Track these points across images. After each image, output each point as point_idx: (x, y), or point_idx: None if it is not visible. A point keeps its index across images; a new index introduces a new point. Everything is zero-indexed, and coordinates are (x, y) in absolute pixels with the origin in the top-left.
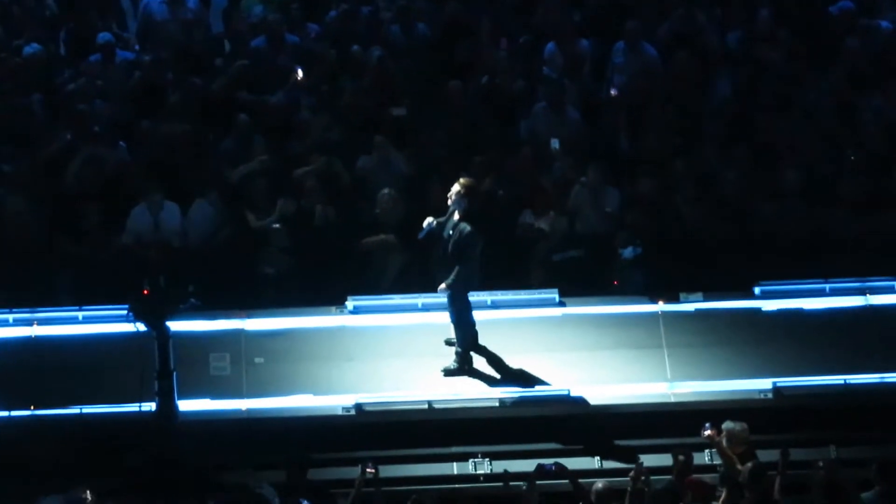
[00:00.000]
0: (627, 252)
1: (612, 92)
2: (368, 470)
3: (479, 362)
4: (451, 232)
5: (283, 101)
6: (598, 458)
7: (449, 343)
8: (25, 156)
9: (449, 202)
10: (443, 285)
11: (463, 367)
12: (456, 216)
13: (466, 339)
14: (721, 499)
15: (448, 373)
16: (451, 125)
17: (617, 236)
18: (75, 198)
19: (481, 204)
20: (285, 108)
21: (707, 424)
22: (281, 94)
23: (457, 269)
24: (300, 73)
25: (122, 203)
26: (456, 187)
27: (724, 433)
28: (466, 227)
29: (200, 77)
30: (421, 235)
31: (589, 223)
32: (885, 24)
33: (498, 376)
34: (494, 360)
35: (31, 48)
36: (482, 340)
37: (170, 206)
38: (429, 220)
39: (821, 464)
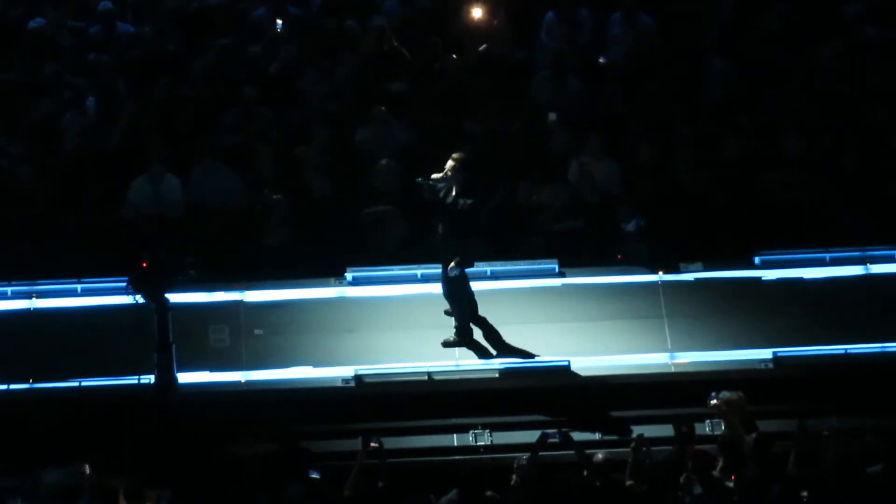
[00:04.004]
0: (631, 225)
1: (601, 60)
2: (373, 444)
3: (479, 333)
4: (451, 208)
5: (279, 69)
6: (599, 428)
7: (448, 314)
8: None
9: (445, 177)
10: (452, 264)
11: (462, 340)
12: (454, 191)
13: (463, 312)
14: (720, 467)
15: (447, 345)
16: (451, 95)
17: (619, 208)
18: (76, 170)
19: (477, 176)
20: (284, 79)
21: (713, 394)
22: (277, 63)
23: (465, 245)
24: (280, 25)
25: (122, 175)
26: (450, 163)
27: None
28: (467, 201)
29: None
30: (424, 194)
31: (589, 195)
32: None
33: (498, 347)
34: (494, 332)
35: (37, 22)
36: (482, 311)
37: (171, 178)
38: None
39: (825, 433)
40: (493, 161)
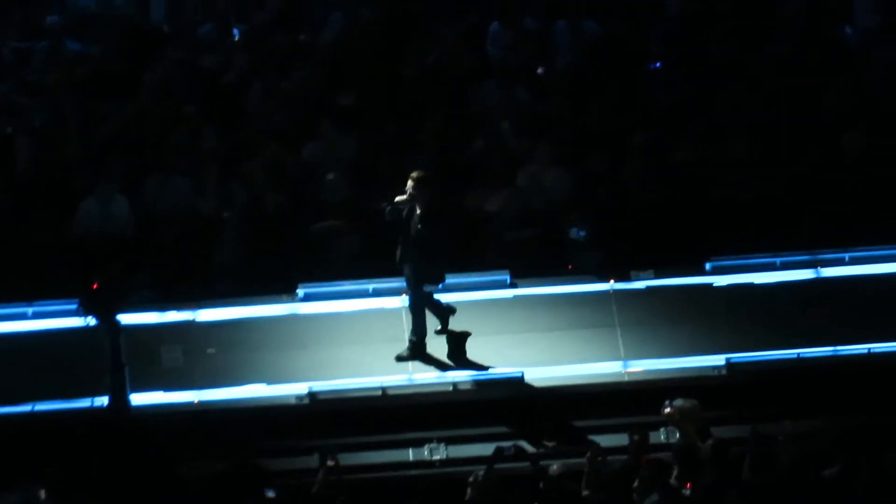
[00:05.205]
0: (574, 233)
1: (539, 71)
2: (329, 463)
3: (432, 346)
4: (418, 227)
5: (233, 80)
6: (554, 439)
7: (440, 333)
8: None
9: (408, 197)
10: (427, 283)
11: (415, 354)
12: (418, 210)
13: (422, 327)
14: (675, 475)
15: (401, 359)
16: (399, 107)
17: (566, 218)
18: (24, 191)
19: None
20: (232, 93)
21: (667, 402)
22: (231, 74)
23: (434, 262)
24: (236, 36)
25: (71, 195)
26: (410, 182)
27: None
28: (430, 222)
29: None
30: (387, 217)
31: (539, 203)
32: None
33: (451, 360)
34: (447, 344)
35: None
36: (436, 323)
37: (119, 198)
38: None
39: (780, 437)
40: (442, 171)
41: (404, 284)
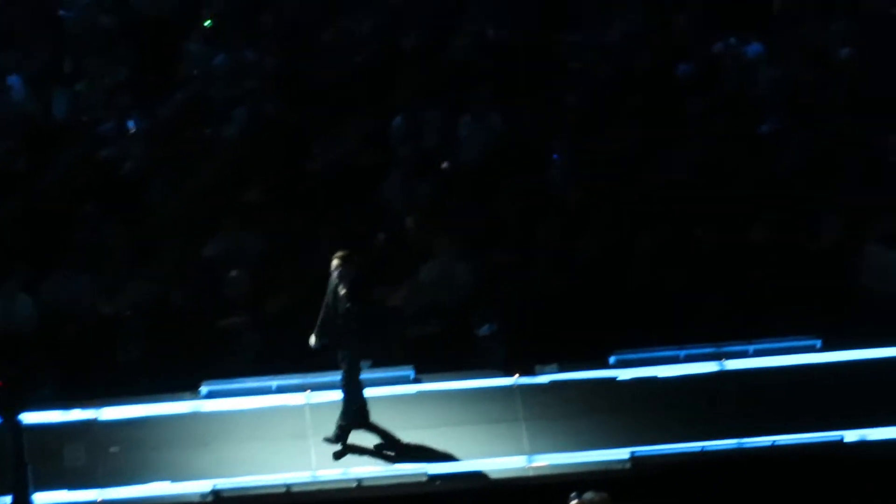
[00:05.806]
0: (484, 329)
1: (444, 165)
2: None
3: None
4: (347, 306)
5: (136, 175)
6: None
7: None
8: None
9: (337, 275)
10: (363, 361)
11: (342, 438)
12: (342, 290)
13: (351, 413)
14: None
15: (328, 441)
16: (303, 203)
17: (473, 312)
18: None
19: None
20: (136, 186)
21: (573, 494)
22: (134, 170)
23: (364, 341)
24: (132, 128)
25: None
26: (335, 261)
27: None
28: (356, 298)
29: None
30: (316, 347)
31: (443, 298)
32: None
33: (356, 456)
34: (352, 440)
35: None
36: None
37: (22, 296)
38: (312, 339)
39: None
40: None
41: (307, 381)
